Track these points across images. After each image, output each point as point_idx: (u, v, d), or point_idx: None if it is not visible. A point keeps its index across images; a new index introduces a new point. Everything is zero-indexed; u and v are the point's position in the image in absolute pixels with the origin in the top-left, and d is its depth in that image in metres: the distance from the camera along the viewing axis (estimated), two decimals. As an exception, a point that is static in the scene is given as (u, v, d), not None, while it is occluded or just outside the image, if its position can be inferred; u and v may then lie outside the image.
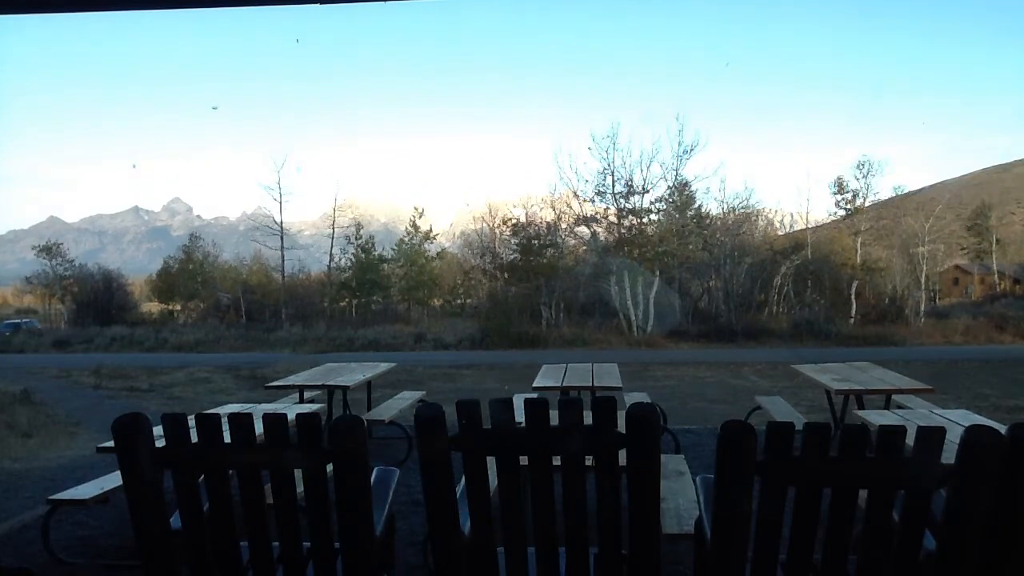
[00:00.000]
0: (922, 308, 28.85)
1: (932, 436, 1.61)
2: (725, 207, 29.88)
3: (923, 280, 31.30)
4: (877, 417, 3.68)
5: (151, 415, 1.84)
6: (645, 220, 26.30)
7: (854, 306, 28.45)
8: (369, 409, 6.29)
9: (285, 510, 1.85)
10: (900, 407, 5.03)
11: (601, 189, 26.55)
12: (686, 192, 27.73)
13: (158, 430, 1.82)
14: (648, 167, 26.43)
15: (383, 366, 6.71)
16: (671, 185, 26.57)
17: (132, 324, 33.85)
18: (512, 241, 29.81)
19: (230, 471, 1.87)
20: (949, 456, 1.62)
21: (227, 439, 1.83)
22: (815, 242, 31.78)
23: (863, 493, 1.69)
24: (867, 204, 29.57)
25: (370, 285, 38.57)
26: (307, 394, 5.90)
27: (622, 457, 1.73)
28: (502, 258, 30.38)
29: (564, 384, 5.27)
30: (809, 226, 32.97)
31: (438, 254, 40.30)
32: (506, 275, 29.37)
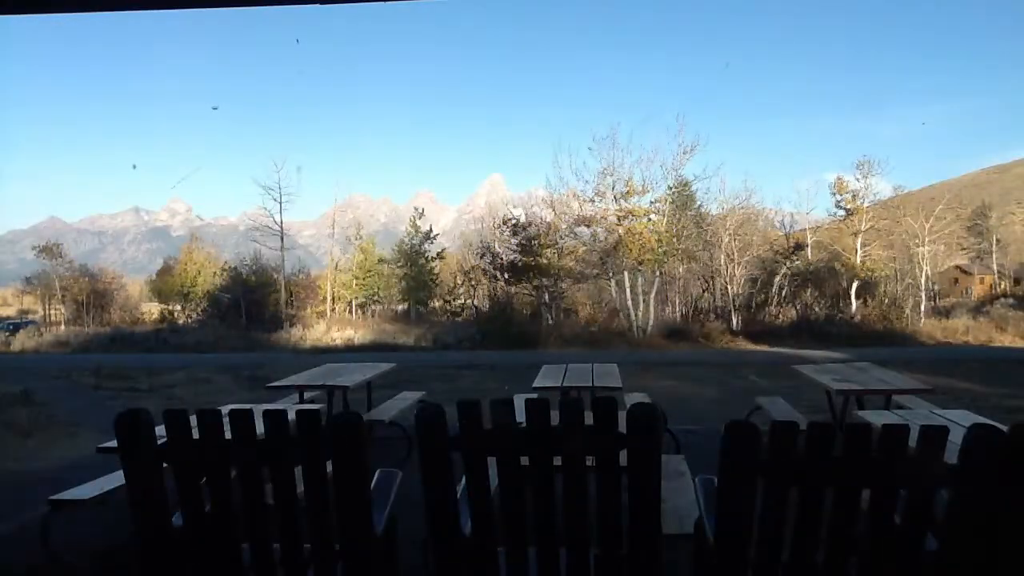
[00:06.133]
0: (922, 308, 28.84)
1: (935, 436, 1.61)
2: (725, 207, 29.88)
3: (923, 280, 31.28)
4: (877, 417, 3.67)
5: (151, 415, 1.84)
6: (645, 220, 26.26)
7: (854, 306, 28.44)
8: (369, 409, 6.29)
9: (285, 509, 1.85)
10: (900, 407, 5.03)
11: (601, 189, 26.52)
12: (686, 192, 27.70)
13: (160, 429, 1.83)
14: (648, 167, 26.43)
15: (383, 366, 6.70)
16: (671, 185, 26.55)
17: (132, 324, 33.84)
18: (512, 241, 29.76)
19: (231, 469, 1.87)
20: (950, 456, 1.62)
21: (228, 439, 1.83)
22: (815, 242, 31.75)
23: (865, 493, 1.68)
24: (867, 204, 29.49)
25: (370, 285, 38.58)
26: (307, 394, 5.90)
27: (622, 457, 1.73)
28: (502, 258, 30.32)
29: (564, 384, 5.27)
30: (809, 226, 32.95)
31: (438, 254, 40.30)
32: (506, 275, 29.32)
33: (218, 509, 1.85)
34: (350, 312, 38.61)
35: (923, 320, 27.57)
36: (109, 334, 28.74)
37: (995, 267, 49.48)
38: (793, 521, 1.70)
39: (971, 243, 52.82)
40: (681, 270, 27.89)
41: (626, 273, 26.06)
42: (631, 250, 25.20)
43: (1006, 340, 24.04)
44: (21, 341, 27.91)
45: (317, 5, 2.18)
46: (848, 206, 29.69)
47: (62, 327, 36.17)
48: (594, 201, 26.98)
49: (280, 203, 34.43)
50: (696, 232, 27.50)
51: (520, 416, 1.82)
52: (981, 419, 3.21)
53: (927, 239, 32.02)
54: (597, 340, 23.54)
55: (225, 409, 1.87)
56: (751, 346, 23.13)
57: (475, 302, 34.59)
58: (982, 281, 48.26)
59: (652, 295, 25.84)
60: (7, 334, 30.61)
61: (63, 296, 40.31)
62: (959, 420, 3.46)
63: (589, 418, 1.76)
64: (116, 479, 3.54)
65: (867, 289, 29.57)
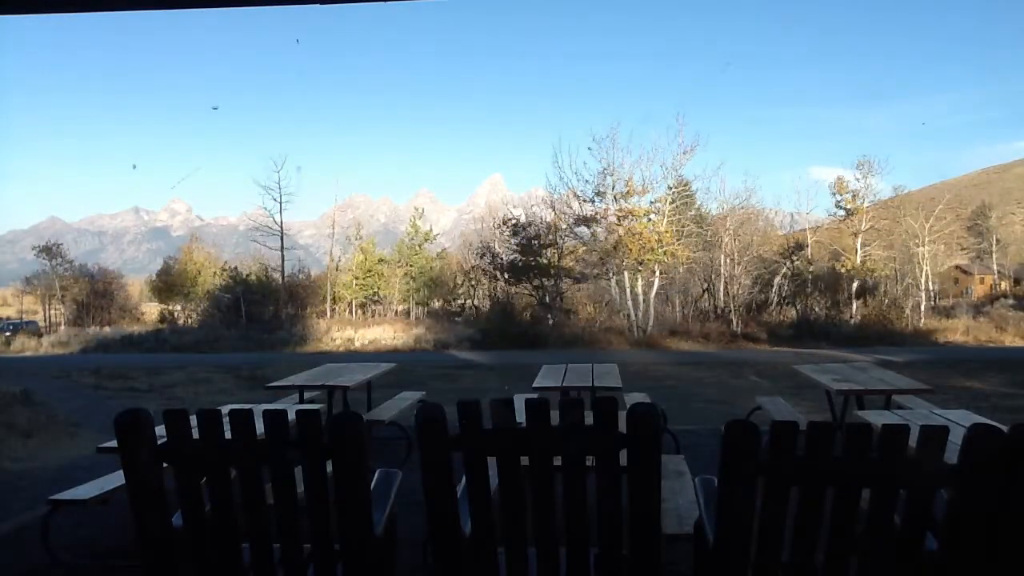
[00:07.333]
0: (922, 308, 28.84)
1: (935, 435, 1.61)
2: (725, 207, 29.89)
3: (923, 280, 31.29)
4: (877, 417, 3.67)
5: (151, 415, 1.84)
6: (645, 220, 26.28)
7: (854, 306, 28.44)
8: (369, 409, 6.29)
9: (285, 509, 1.85)
10: (900, 407, 5.03)
11: (601, 189, 26.53)
12: (686, 192, 27.71)
13: (160, 429, 1.83)
14: (648, 167, 26.45)
15: (383, 366, 6.70)
16: (671, 185, 26.55)
17: (132, 324, 33.84)
18: (512, 241, 29.77)
19: (231, 469, 1.87)
20: (950, 456, 1.62)
21: (228, 439, 1.83)
22: (815, 242, 31.75)
23: (865, 493, 1.68)
24: (867, 204, 29.49)
25: (370, 285, 38.57)
26: (307, 394, 5.90)
27: (623, 457, 1.73)
28: (502, 258, 30.33)
29: (564, 384, 5.26)
30: (809, 226, 32.95)
31: (438, 255, 40.31)
32: (506, 275, 29.33)
33: (218, 509, 1.85)
34: (350, 312, 38.59)
35: (923, 320, 27.58)
36: (109, 334, 28.74)
37: (995, 267, 49.53)
38: (793, 521, 1.70)
39: (971, 243, 52.89)
40: (681, 270, 27.89)
41: (626, 273, 26.06)
42: (631, 250, 25.21)
43: (1006, 340, 24.04)
44: (21, 341, 27.92)
45: (317, 5, 2.18)
46: (848, 206, 29.68)
47: (62, 327, 36.16)
48: (594, 201, 27.02)
49: (280, 203, 34.44)
50: (696, 232, 27.51)
51: (520, 416, 1.82)
52: (981, 419, 3.21)
53: (927, 239, 32.03)
54: (597, 340, 23.55)
55: (225, 409, 1.87)
56: (751, 346, 23.13)
57: (475, 302, 34.61)
58: (982, 281, 48.29)
59: (652, 295, 25.85)
60: (7, 334, 30.62)
61: (63, 296, 40.29)
62: (959, 420, 3.46)
63: (589, 418, 1.76)
64: (116, 479, 3.54)
65: (867, 289, 29.57)
